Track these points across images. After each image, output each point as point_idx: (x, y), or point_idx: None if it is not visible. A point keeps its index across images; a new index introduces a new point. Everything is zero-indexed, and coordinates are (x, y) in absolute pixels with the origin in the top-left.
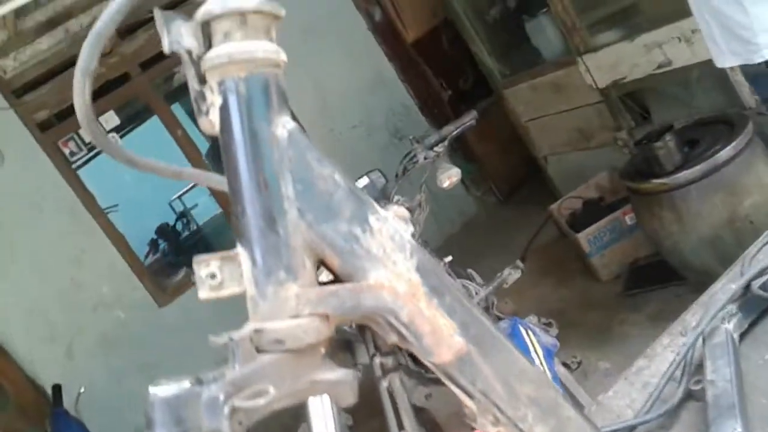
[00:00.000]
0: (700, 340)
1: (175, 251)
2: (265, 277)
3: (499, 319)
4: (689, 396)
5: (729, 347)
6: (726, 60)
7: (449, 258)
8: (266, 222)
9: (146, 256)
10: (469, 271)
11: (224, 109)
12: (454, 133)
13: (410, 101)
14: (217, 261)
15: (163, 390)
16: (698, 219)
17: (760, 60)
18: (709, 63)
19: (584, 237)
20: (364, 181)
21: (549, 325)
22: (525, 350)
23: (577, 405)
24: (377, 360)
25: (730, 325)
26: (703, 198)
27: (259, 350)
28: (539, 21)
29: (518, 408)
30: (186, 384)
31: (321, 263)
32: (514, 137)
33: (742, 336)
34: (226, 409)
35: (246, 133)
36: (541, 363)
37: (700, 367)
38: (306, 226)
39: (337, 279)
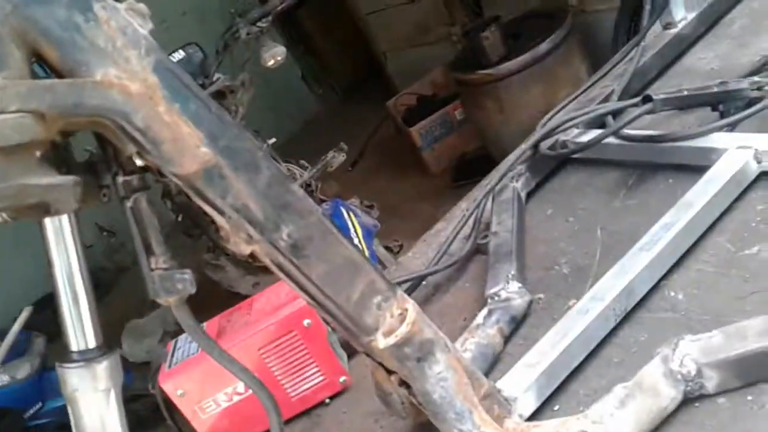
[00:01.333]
0: (490, 198)
1: None
2: None
3: (323, 201)
4: (477, 250)
5: (514, 203)
6: None
7: (272, 140)
8: None
9: None
10: (302, 162)
11: None
12: (279, 7)
13: None
14: None
15: None
16: (518, 109)
17: None
18: None
19: (416, 131)
20: (178, 55)
21: (370, 207)
22: (345, 231)
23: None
24: (120, 179)
25: (518, 184)
26: (523, 89)
27: None
28: None
29: (277, 229)
30: None
31: (37, 56)
32: (356, 33)
33: (531, 194)
34: None
35: None
36: (360, 242)
37: (490, 224)
38: (12, 8)
39: (59, 76)
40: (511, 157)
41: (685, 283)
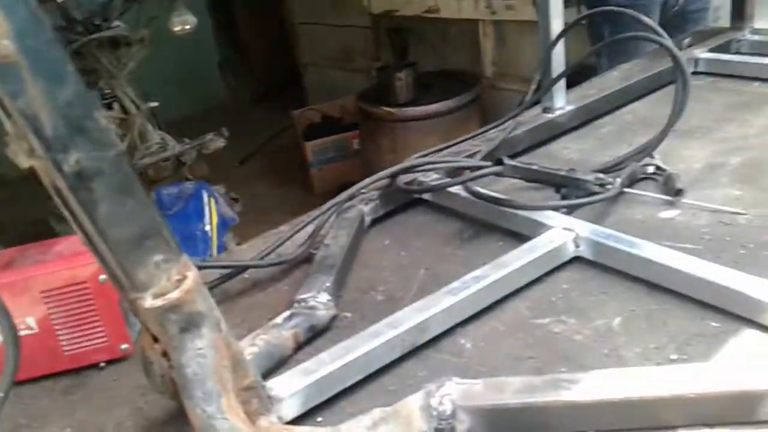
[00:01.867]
0: (336, 213)
1: None
2: None
3: (188, 179)
4: (308, 259)
5: (356, 223)
6: None
7: (155, 103)
8: None
9: None
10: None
11: None
12: None
13: None
14: None
15: None
16: (409, 153)
17: None
18: (468, 21)
19: (311, 147)
20: None
21: (235, 200)
22: (199, 213)
23: None
24: None
25: (366, 208)
26: (419, 135)
27: None
28: None
29: (65, 150)
30: None
31: None
32: (284, 38)
33: (376, 221)
34: None
35: None
36: (213, 228)
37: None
38: None
39: None
40: (368, 181)
41: (476, 334)
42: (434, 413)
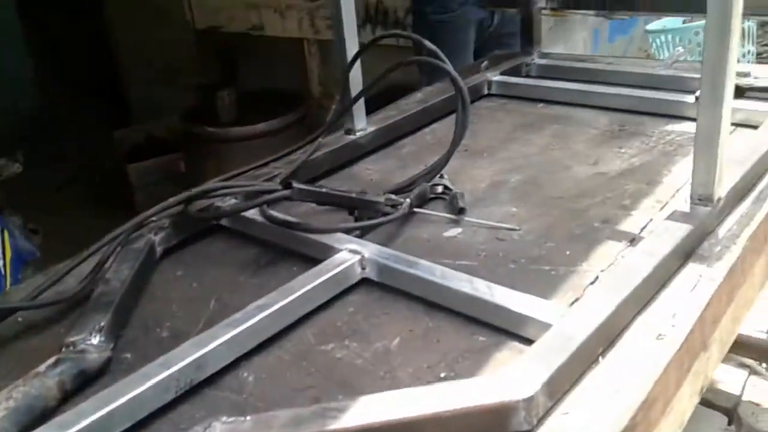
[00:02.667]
0: (121, 243)
1: None
2: None
3: None
4: (89, 296)
5: (143, 255)
6: None
7: None
8: None
9: None
10: None
11: None
12: None
13: None
14: None
15: None
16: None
17: None
18: (294, 40)
19: (135, 169)
20: None
21: (35, 232)
22: None
23: None
24: None
25: (157, 237)
26: (244, 157)
27: None
28: None
29: None
30: None
31: None
32: (105, 52)
33: (170, 251)
34: None
35: None
36: (5, 265)
37: None
38: None
39: None
40: (158, 207)
41: (260, 366)
42: None
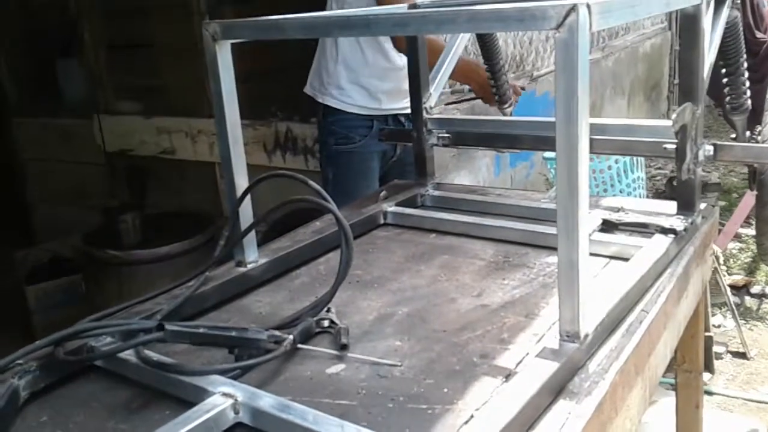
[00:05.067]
0: None
1: None
2: None
3: None
4: None
5: (2, 401)
6: None
7: None
8: None
9: None
10: None
11: None
12: None
13: None
14: None
15: None
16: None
17: None
18: (205, 163)
19: (34, 291)
20: None
21: None
22: None
23: None
24: None
25: (21, 381)
26: (147, 281)
27: None
28: (70, 63)
29: None
30: None
31: None
32: (9, 173)
33: (37, 394)
34: None
35: None
36: None
37: None
38: None
39: None
40: (23, 351)
41: None
42: None
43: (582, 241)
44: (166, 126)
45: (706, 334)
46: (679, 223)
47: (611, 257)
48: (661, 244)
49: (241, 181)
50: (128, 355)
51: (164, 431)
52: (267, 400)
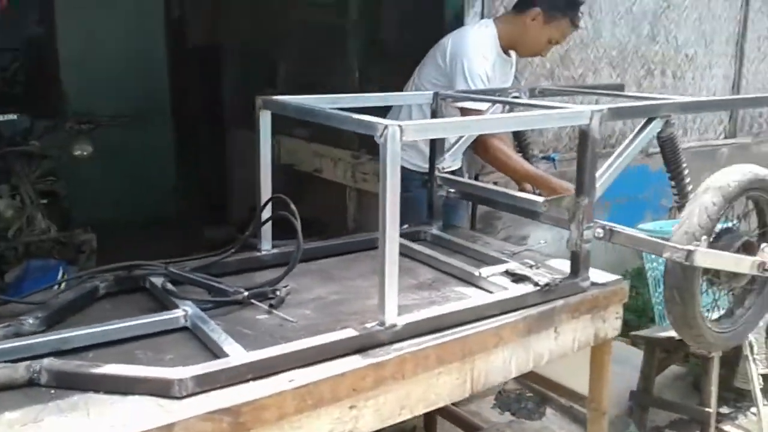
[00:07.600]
0: None
1: None
2: None
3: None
4: None
5: (88, 291)
6: None
7: None
8: None
9: None
10: None
11: None
12: None
13: None
14: None
15: None
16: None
17: None
18: (339, 185)
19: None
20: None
21: None
22: None
23: None
24: None
25: (102, 284)
26: None
27: None
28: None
29: None
30: None
31: None
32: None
33: (110, 294)
34: None
35: None
36: None
37: None
38: None
39: None
40: (106, 267)
41: None
42: None
43: (390, 267)
44: (319, 151)
45: None
46: (544, 280)
47: (487, 291)
48: (521, 291)
49: (266, 193)
50: (156, 281)
51: (145, 318)
52: (202, 317)
